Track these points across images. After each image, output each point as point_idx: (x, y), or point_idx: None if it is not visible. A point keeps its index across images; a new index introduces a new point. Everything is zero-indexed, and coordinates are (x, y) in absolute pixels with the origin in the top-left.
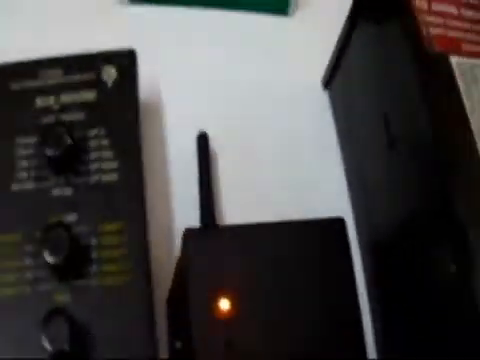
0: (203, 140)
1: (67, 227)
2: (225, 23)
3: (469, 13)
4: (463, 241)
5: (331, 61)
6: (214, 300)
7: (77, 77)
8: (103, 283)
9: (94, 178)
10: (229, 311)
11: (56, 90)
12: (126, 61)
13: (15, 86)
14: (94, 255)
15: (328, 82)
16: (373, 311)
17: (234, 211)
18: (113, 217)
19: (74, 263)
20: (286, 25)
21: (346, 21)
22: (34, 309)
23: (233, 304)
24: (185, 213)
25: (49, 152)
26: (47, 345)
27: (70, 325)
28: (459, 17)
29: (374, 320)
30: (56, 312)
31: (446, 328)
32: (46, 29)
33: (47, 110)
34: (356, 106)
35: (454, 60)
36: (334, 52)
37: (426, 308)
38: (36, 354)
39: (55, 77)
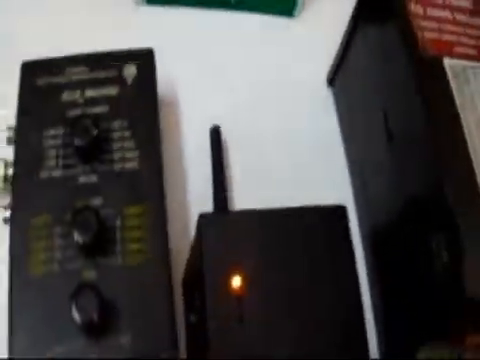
0: (216, 133)
1: (94, 210)
2: (237, 24)
3: (463, 17)
4: (454, 231)
5: (335, 60)
6: (227, 278)
7: (100, 74)
8: (126, 261)
9: (117, 166)
10: (241, 288)
11: (81, 85)
12: (145, 59)
13: (41, 82)
14: (118, 235)
15: (332, 80)
16: (372, 293)
17: (244, 198)
18: (135, 201)
19: (100, 242)
20: (293, 26)
21: (348, 24)
22: (62, 285)
23: (244, 282)
24: (199, 199)
25: (77, 142)
26: (77, 316)
27: (98, 298)
28: (453, 21)
29: (373, 302)
30: (85, 286)
31: (437, 310)
32: (68, 29)
33: (73, 104)
34: (357, 102)
35: (447, 62)
36: (337, 52)
37: (420, 291)
38: (65, 326)
39: (80, 73)
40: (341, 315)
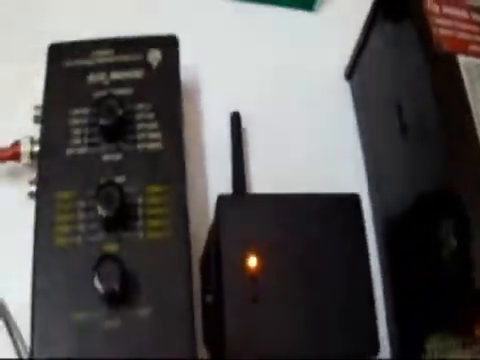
0: (236, 118)
1: (118, 185)
2: (259, 16)
3: (478, 17)
4: (463, 219)
5: (352, 55)
6: (243, 258)
7: (126, 57)
8: (147, 236)
9: (141, 146)
10: (256, 269)
11: (107, 68)
12: (169, 45)
13: (68, 63)
14: (140, 212)
15: (350, 74)
16: (384, 280)
17: (262, 181)
18: (157, 180)
19: (122, 217)
20: (313, 20)
21: (366, 20)
22: (85, 257)
23: (260, 263)
24: (219, 182)
25: (102, 121)
26: (99, 286)
27: (120, 269)
28: (469, 20)
29: (385, 288)
30: (108, 257)
31: (445, 299)
32: (95, 13)
33: (98, 85)
34: (373, 96)
35: (461, 59)
36: (355, 47)
37: (429, 279)
38: (86, 294)
39: (106, 56)
40: (352, 299)
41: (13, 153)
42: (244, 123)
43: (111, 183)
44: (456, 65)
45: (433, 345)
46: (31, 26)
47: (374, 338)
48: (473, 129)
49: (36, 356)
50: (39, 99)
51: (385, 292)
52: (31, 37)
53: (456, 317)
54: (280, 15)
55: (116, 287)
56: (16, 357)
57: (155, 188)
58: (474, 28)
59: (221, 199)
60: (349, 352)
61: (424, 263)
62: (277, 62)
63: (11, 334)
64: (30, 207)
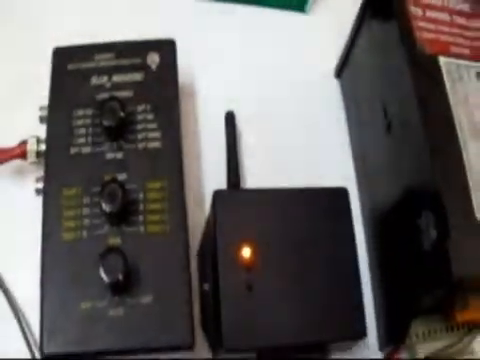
0: (230, 117)
1: (120, 183)
2: (253, 18)
3: (460, 20)
4: (442, 212)
5: (342, 55)
6: (238, 250)
7: (126, 61)
8: (148, 230)
9: (141, 145)
10: (250, 259)
11: (108, 71)
12: (167, 49)
13: (72, 66)
14: (141, 207)
15: (339, 72)
16: (371, 267)
17: (256, 177)
18: (156, 176)
19: (125, 213)
20: (304, 21)
21: (354, 22)
22: (90, 250)
23: (254, 254)
24: (214, 178)
25: (105, 122)
26: (104, 276)
27: (124, 260)
28: (450, 23)
29: (372, 275)
30: (112, 250)
31: (427, 286)
32: (94, 14)
33: (101, 88)
34: (361, 94)
35: (443, 60)
36: (344, 47)
37: (412, 267)
38: (92, 285)
39: (108, 60)
40: (341, 286)
41: (20, 152)
42: (238, 121)
43: (114, 181)
44: (438, 66)
45: (418, 329)
46: (34, 27)
47: (361, 323)
48: (453, 128)
49: (45, 345)
50: (44, 100)
51: (372, 279)
52: (34, 38)
53: (438, 303)
54: (273, 17)
55: (120, 278)
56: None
57: (155, 184)
58: (455, 30)
59: (217, 194)
60: (338, 336)
61: (408, 252)
62: (270, 63)
63: (21, 325)
64: (37, 203)
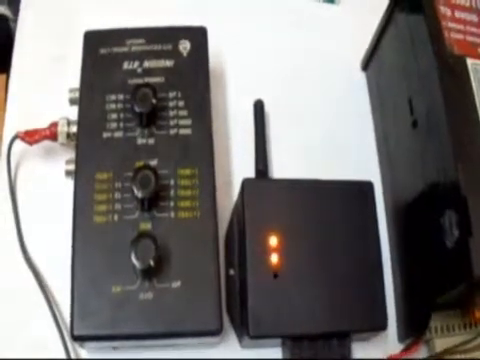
0: (259, 106)
1: (153, 169)
2: (284, 8)
3: None
4: (464, 212)
5: (369, 48)
6: (265, 238)
7: (158, 47)
8: (178, 216)
9: (173, 131)
10: (277, 247)
11: (140, 56)
12: (199, 36)
13: (103, 51)
14: (172, 193)
15: (366, 65)
16: (393, 262)
17: (283, 165)
18: (187, 163)
19: (156, 198)
20: (334, 12)
21: (383, 15)
22: (121, 234)
23: (280, 242)
24: (242, 166)
25: (137, 109)
26: (136, 262)
27: (155, 246)
28: (478, 24)
29: (394, 270)
30: (144, 235)
31: (449, 280)
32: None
33: (132, 73)
34: (387, 88)
35: (470, 61)
36: (371, 41)
37: (435, 260)
38: (121, 268)
39: (139, 45)
40: (364, 277)
41: (50, 133)
42: (267, 110)
43: (147, 166)
44: (465, 67)
45: (436, 324)
46: (66, 9)
47: (383, 315)
48: (478, 128)
49: (76, 327)
50: (73, 82)
51: (394, 272)
52: (62, 22)
53: (458, 300)
54: (303, 7)
55: (152, 264)
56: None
57: (185, 171)
58: None
59: (246, 182)
60: (360, 327)
61: (430, 248)
62: (301, 53)
63: (51, 307)
64: (67, 185)
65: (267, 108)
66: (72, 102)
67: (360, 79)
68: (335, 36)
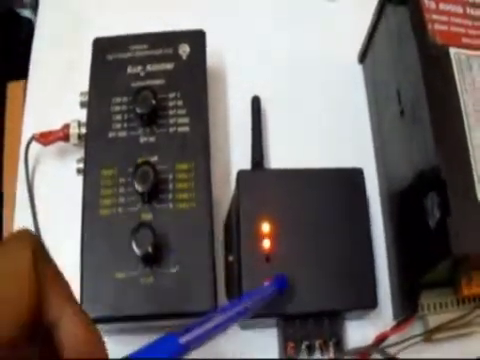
0: (256, 102)
1: (152, 165)
2: (283, 3)
3: (473, 11)
4: (444, 194)
5: (364, 42)
6: (258, 224)
7: (159, 51)
8: (176, 207)
9: (172, 129)
10: (269, 233)
11: (143, 61)
12: (197, 39)
13: (110, 57)
14: (170, 186)
15: (362, 58)
16: (387, 240)
17: (278, 158)
18: (185, 158)
19: (156, 191)
20: (332, 8)
21: (374, 11)
22: (124, 225)
23: (272, 228)
24: (240, 159)
25: (139, 110)
26: (136, 249)
27: (153, 234)
28: (463, 15)
29: (388, 248)
30: (142, 225)
31: (435, 258)
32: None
33: (136, 76)
34: (379, 80)
35: (453, 51)
36: (366, 35)
37: (420, 241)
38: (125, 256)
39: (142, 50)
40: (354, 259)
41: (63, 134)
42: (263, 105)
43: (146, 163)
44: (447, 56)
45: (430, 301)
46: (76, 16)
47: (373, 294)
48: (459, 114)
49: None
50: (83, 86)
51: (388, 253)
52: (70, 28)
53: (447, 277)
54: (301, 3)
55: (150, 250)
56: None
57: (183, 165)
58: (467, 22)
59: (240, 174)
60: (351, 306)
61: (417, 229)
62: (297, 48)
63: None
64: (78, 182)
65: (266, 101)
66: (82, 105)
67: (357, 71)
68: (333, 31)
